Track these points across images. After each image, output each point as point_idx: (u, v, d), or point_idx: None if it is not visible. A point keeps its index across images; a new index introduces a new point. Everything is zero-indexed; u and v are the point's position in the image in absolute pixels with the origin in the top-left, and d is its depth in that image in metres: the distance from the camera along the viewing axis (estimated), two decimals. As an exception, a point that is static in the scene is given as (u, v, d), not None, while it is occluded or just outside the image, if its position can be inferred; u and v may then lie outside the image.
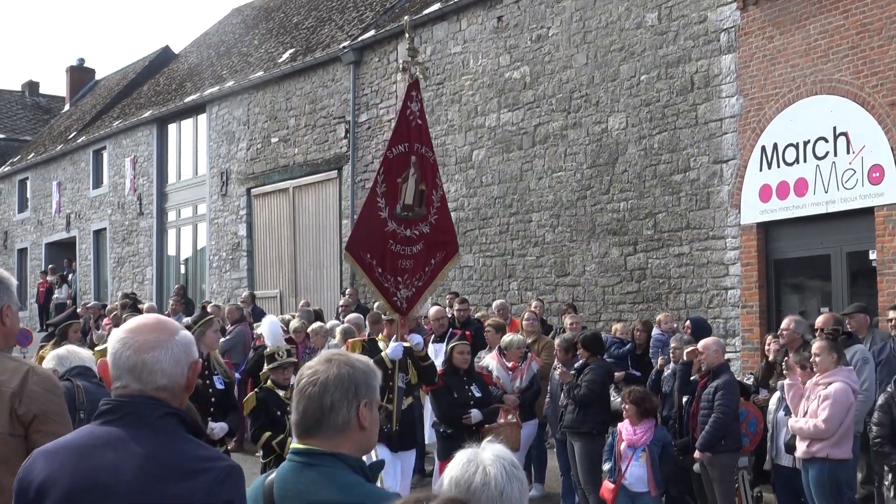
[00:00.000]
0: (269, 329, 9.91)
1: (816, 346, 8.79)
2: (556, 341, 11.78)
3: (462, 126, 19.76)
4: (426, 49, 20.61)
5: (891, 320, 10.02)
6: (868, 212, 13.14)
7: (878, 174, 13.02)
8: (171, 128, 29.98)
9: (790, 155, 14.03)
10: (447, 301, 15.91)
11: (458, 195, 19.70)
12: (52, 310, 29.97)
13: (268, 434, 8.66)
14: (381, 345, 9.63)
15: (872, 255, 13.18)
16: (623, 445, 9.39)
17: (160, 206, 29.99)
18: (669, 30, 15.91)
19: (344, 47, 22.72)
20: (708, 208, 15.22)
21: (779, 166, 14.17)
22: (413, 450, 9.88)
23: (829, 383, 8.48)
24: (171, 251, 30.15)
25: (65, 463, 2.83)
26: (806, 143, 13.83)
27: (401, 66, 9.35)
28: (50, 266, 33.58)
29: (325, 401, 3.04)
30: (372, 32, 22.37)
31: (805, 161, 13.82)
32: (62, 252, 35.10)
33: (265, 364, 9.35)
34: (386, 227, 9.18)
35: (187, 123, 29.23)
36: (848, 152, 13.36)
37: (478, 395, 10.05)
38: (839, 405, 8.34)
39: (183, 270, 29.95)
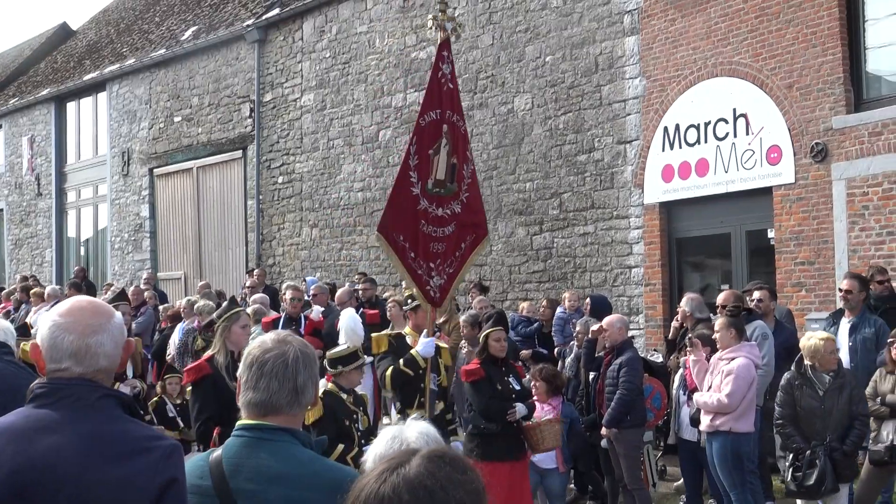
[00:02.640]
0: (349, 324, 8.82)
1: (718, 323, 9.01)
2: (461, 318, 11.84)
3: (368, 106, 19.71)
4: (332, 28, 20.52)
5: (840, 290, 10.20)
6: (766, 191, 13.48)
7: (775, 155, 13.36)
8: (70, 106, 29.31)
9: (692, 136, 14.31)
10: (355, 280, 15.90)
11: (365, 175, 19.67)
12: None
13: (341, 448, 7.14)
14: (408, 339, 8.58)
15: (771, 234, 13.53)
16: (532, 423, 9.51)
17: (59, 186, 29.33)
18: (574, 11, 16.07)
19: (248, 25, 22.45)
20: (612, 188, 15.45)
21: (681, 147, 14.45)
22: None
23: (732, 359, 8.70)
24: (72, 233, 29.51)
25: (4, 446, 2.80)
26: (707, 125, 14.12)
27: (430, 22, 8.82)
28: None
29: (298, 381, 3.12)
30: (276, 11, 22.14)
31: (706, 142, 14.11)
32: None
33: (329, 364, 7.66)
34: (418, 205, 8.12)
35: (87, 102, 28.60)
36: (747, 133, 13.68)
37: (517, 387, 8.97)
38: (741, 380, 8.56)
39: (83, 252, 29.35)
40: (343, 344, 8.17)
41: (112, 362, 3.00)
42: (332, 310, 13.45)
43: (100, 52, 30.04)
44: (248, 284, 17.40)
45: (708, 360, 9.06)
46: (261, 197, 22.24)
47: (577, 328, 11.22)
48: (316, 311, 13.14)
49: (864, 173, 12.46)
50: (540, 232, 16.51)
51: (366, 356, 8.26)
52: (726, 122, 13.91)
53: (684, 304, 10.53)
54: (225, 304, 8.06)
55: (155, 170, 25.37)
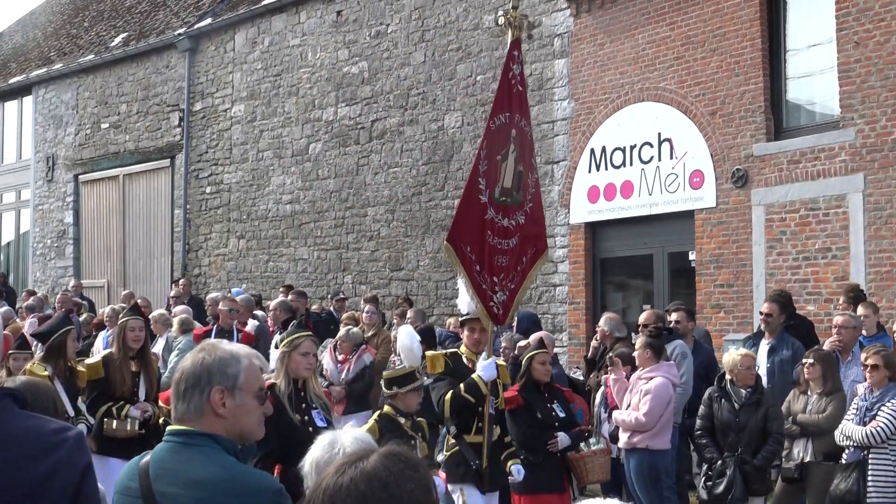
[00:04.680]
0: (405, 342, 8.28)
1: (638, 342, 9.26)
2: (394, 333, 11.93)
3: (299, 119, 19.75)
4: (264, 40, 20.54)
5: (761, 314, 10.48)
6: (689, 215, 13.82)
7: (698, 179, 13.70)
8: (-6, 109, 28.88)
9: (618, 158, 14.61)
10: (280, 293, 15.93)
11: (294, 188, 19.70)
12: None
13: None
14: (464, 359, 7.84)
15: (692, 256, 13.86)
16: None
17: (-20, 190, 28.85)
18: (506, 32, 16.25)
19: (179, 34, 22.36)
20: (539, 207, 15.66)
21: (607, 169, 14.74)
22: (497, 491, 7.81)
23: (650, 378, 8.94)
24: (-8, 237, 29.04)
25: None
26: (632, 148, 14.43)
27: (501, 19, 8.36)
28: None
29: (180, 388, 3.19)
30: (209, 20, 22.09)
31: (631, 164, 14.42)
32: None
33: (385, 385, 7.29)
34: (485, 214, 7.54)
35: (11, 105, 28.14)
36: (671, 157, 14.02)
37: (561, 414, 8.48)
38: (659, 399, 8.80)
39: (2, 257, 28.86)
40: (399, 364, 7.70)
41: None
42: (262, 323, 13.51)
43: (26, 55, 29.60)
44: (172, 294, 17.32)
45: (628, 379, 9.29)
46: (188, 206, 22.12)
47: (504, 344, 11.39)
48: (251, 325, 13.13)
49: (783, 199, 12.84)
50: (467, 249, 16.66)
51: (424, 377, 7.81)
52: (651, 145, 14.23)
53: (603, 324, 10.79)
54: (290, 327, 7.40)
55: (80, 176, 25.08)
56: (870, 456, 7.94)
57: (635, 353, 9.19)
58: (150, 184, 23.30)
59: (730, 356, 8.74)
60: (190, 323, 12.87)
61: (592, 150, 14.95)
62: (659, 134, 14.16)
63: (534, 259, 7.90)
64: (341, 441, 3.06)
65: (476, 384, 7.40)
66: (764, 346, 10.08)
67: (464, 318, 7.99)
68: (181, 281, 18.41)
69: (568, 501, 8.44)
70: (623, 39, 14.72)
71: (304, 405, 6.51)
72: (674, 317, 10.54)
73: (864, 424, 7.98)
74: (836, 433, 8.17)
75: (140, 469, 3.17)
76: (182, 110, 22.28)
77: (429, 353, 8.20)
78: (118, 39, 25.10)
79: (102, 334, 14.34)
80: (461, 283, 7.76)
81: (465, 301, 7.84)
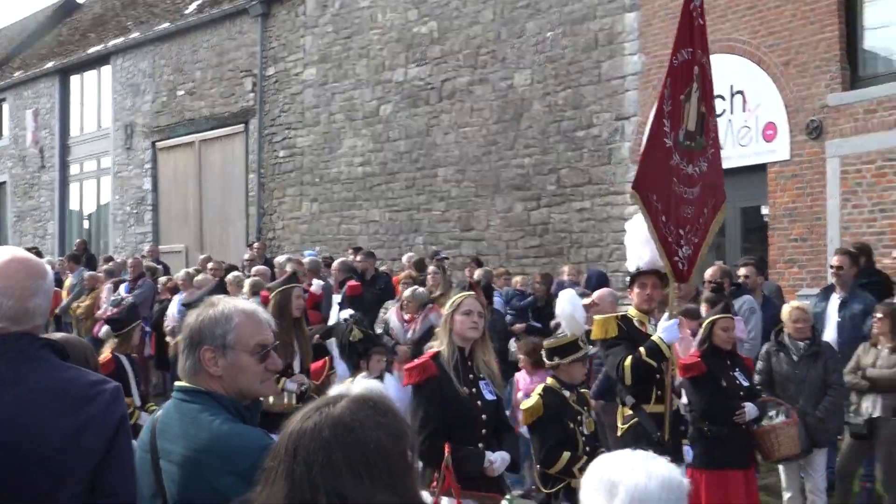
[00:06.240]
0: (569, 309, 7.36)
1: (702, 298, 9.10)
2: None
3: (370, 80, 19.72)
4: (334, 2, 20.53)
5: (832, 267, 10.23)
6: (762, 168, 13.50)
7: (771, 132, 13.37)
8: (74, 79, 29.34)
9: (689, 112, 14.29)
10: (349, 255, 15.96)
11: (365, 150, 19.71)
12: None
13: (567, 456, 6.15)
14: (636, 322, 7.00)
15: (765, 210, 13.55)
16: (520, 395, 9.58)
17: (63, 159, 29.38)
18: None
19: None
20: (609, 164, 15.48)
21: (678, 123, 14.43)
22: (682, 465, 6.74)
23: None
24: (74, 205, 29.60)
25: None
26: (704, 101, 14.09)
27: None
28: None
29: (182, 345, 3.21)
30: (279, -15, 22.14)
31: (703, 118, 14.10)
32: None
33: (547, 355, 6.70)
34: (671, 159, 6.78)
35: (90, 75, 28.64)
36: (744, 110, 13.69)
37: (745, 384, 7.76)
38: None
39: (86, 225, 29.45)
40: (561, 332, 7.02)
41: (45, 317, 3.12)
42: (327, 283, 13.57)
43: (104, 25, 30.05)
44: (247, 257, 17.48)
45: (694, 336, 9.12)
46: (262, 171, 22.29)
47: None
48: (317, 285, 13.19)
49: (858, 151, 12.46)
50: (537, 207, 16.55)
51: (589, 346, 7.07)
52: (723, 98, 13.88)
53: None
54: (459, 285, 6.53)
55: (157, 143, 25.43)
56: (941, 410, 7.70)
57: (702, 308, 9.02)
58: (225, 149, 23.52)
59: (785, 309, 8.54)
60: (260, 285, 12.92)
61: (663, 105, 14.65)
62: (731, 86, 13.83)
63: (714, 211, 7.11)
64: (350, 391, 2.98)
65: (658, 347, 6.63)
66: (835, 299, 9.82)
67: (633, 273, 7.11)
68: (255, 244, 18.56)
69: (754, 479, 7.75)
70: (694, -10, 14.35)
71: (471, 375, 5.77)
72: (742, 272, 10.32)
73: (936, 378, 7.74)
74: (908, 388, 7.94)
75: (151, 423, 3.21)
76: (255, 75, 22.41)
77: (597, 316, 7.23)
78: (192, 7, 25.31)
79: (176, 298, 14.53)
80: (633, 237, 7.06)
81: (635, 254, 7.08)
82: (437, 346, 5.88)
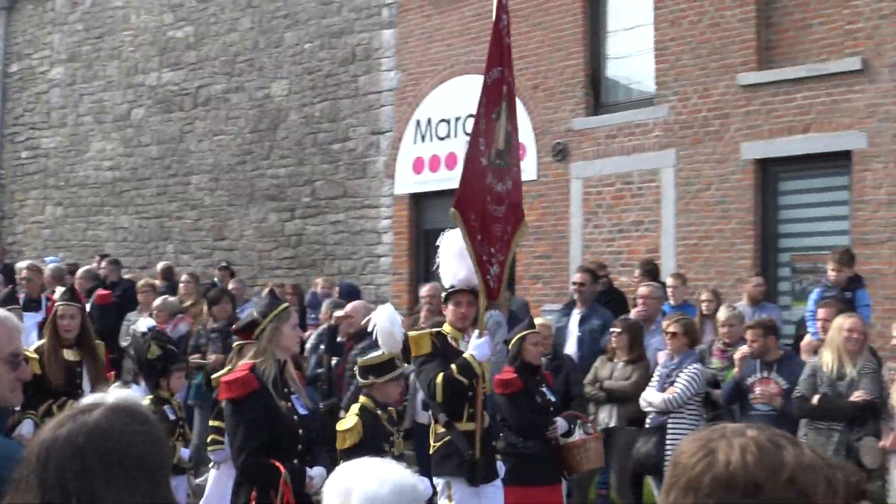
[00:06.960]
0: (387, 326, 6.85)
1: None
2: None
3: (121, 83, 19.17)
4: (85, 0, 19.83)
5: (574, 283, 10.66)
6: (510, 187, 13.97)
7: (520, 152, 13.86)
8: None
9: (442, 130, 14.68)
10: (95, 261, 15.43)
11: (115, 154, 19.13)
12: None
13: None
14: (449, 339, 6.88)
15: (513, 228, 14.03)
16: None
17: None
18: (334, 1, 16.15)
19: (-6, -9, 21.41)
20: (364, 178, 15.64)
21: (431, 140, 14.79)
22: (498, 482, 6.88)
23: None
24: None
25: None
26: (457, 119, 14.50)
27: None
28: None
29: None
30: (26, -22, 21.20)
31: (456, 136, 14.49)
32: None
33: (360, 374, 6.50)
34: (486, 178, 6.75)
35: None
36: (494, 130, 14.13)
37: (553, 399, 7.79)
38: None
39: None
40: (377, 350, 6.75)
41: None
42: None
43: None
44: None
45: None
46: (2, 172, 21.23)
47: (323, 308, 11.36)
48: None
49: (599, 173, 13.13)
50: (292, 218, 16.53)
51: (405, 364, 6.98)
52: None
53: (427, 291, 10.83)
54: (265, 299, 5.93)
55: None
56: (668, 421, 8.22)
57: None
58: (-38, 147, 22.27)
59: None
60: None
61: (418, 122, 14.98)
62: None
63: (514, 229, 7.07)
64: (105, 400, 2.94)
65: (469, 364, 6.53)
66: (576, 315, 10.31)
67: (449, 290, 7.02)
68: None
69: (560, 494, 7.78)
70: (450, 11, 14.77)
71: (286, 390, 5.58)
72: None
73: (665, 390, 8.26)
74: (640, 399, 8.43)
75: None
76: (-3, 71, 21.35)
77: (412, 332, 7.12)
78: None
79: None
80: (448, 253, 7.02)
81: (450, 272, 7.01)
82: (257, 358, 5.52)
